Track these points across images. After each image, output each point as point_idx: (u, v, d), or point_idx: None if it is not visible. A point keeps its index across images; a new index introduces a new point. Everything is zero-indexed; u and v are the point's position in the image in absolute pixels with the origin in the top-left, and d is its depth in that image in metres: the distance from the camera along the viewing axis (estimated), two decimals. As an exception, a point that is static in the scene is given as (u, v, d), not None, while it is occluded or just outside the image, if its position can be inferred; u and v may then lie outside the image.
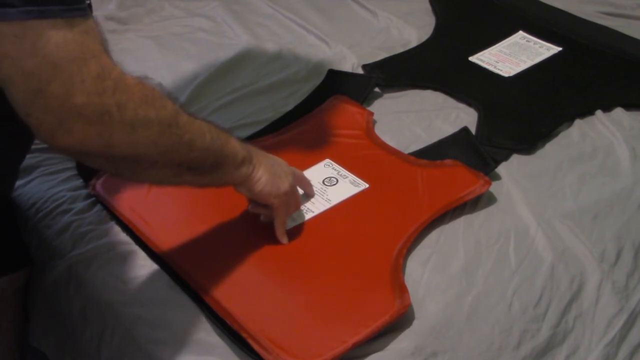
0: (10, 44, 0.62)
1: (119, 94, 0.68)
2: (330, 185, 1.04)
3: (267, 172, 0.88)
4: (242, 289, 0.88)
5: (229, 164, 0.84)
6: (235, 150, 0.84)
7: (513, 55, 1.38)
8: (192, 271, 0.90)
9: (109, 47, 1.02)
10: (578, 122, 1.20)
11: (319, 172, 1.07)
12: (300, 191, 0.99)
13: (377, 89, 1.28)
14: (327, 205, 1.01)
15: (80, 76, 0.65)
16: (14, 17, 0.62)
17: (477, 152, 1.10)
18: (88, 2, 0.89)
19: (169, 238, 0.94)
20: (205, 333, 0.85)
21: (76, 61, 0.65)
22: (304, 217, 0.98)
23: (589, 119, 1.21)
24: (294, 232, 0.96)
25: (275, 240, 0.95)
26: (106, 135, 0.68)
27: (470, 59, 1.37)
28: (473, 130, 1.17)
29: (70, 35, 0.64)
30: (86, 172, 1.07)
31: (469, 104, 1.25)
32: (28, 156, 1.10)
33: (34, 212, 1.05)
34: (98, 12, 1.13)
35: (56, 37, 0.64)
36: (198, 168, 0.80)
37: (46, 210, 1.04)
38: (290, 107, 1.24)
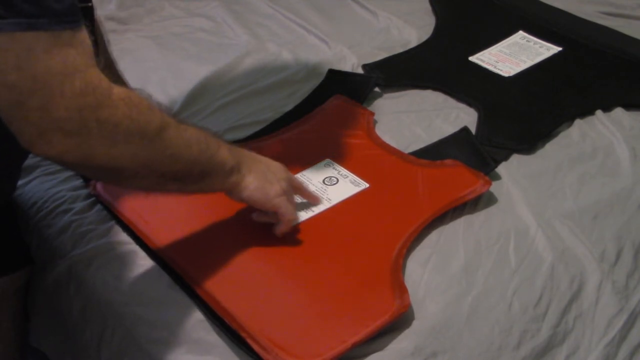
0: None
1: (100, 110, 0.68)
2: (330, 184, 1.04)
3: (256, 178, 0.88)
4: (241, 288, 0.88)
5: (217, 174, 0.84)
6: (224, 160, 0.84)
7: (513, 55, 1.38)
8: (191, 271, 0.90)
9: (110, 47, 1.03)
10: (578, 122, 1.20)
11: (319, 172, 1.07)
12: (299, 199, 0.99)
13: (377, 89, 1.28)
14: (328, 205, 1.01)
15: (61, 91, 0.65)
16: (2, 29, 0.62)
17: (477, 152, 1.10)
18: (90, 4, 0.89)
19: (169, 238, 0.94)
20: (205, 333, 0.85)
21: (58, 76, 0.65)
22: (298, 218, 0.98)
23: (589, 119, 1.21)
24: (294, 232, 0.96)
25: (275, 240, 0.95)
26: (85, 148, 0.69)
27: (470, 59, 1.38)
28: (473, 130, 1.17)
29: (55, 50, 0.65)
30: (86, 172, 1.07)
31: (469, 104, 1.25)
32: (28, 156, 1.10)
33: (35, 212, 1.05)
34: (98, 12, 1.13)
35: (40, 51, 0.64)
36: (183, 178, 0.81)
37: (46, 210, 1.04)
38: (290, 107, 1.24)
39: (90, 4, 0.90)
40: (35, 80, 0.64)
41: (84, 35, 0.68)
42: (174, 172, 0.79)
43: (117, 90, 0.71)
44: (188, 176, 0.81)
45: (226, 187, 0.87)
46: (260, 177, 0.88)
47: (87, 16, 0.90)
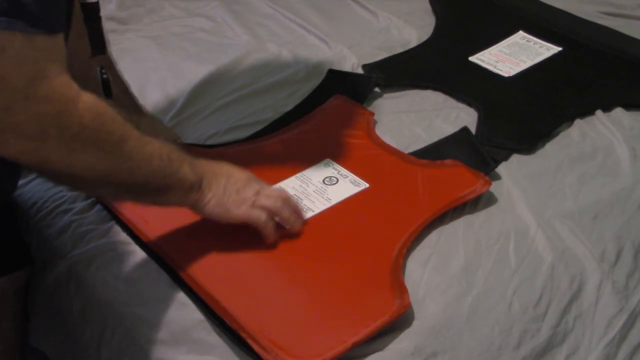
0: None
1: (62, 117, 0.68)
2: (330, 184, 1.04)
3: (215, 195, 0.87)
4: (241, 288, 0.88)
5: (176, 190, 0.84)
6: (185, 177, 0.84)
7: (513, 55, 1.38)
8: (191, 271, 0.90)
9: (110, 48, 1.03)
10: (578, 122, 1.20)
11: (319, 172, 1.07)
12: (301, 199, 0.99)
13: (377, 89, 1.28)
14: (327, 205, 1.01)
15: (25, 94, 0.65)
16: None
17: (477, 152, 1.10)
18: (95, 0, 0.89)
19: (168, 238, 0.94)
20: (205, 333, 0.86)
21: (25, 79, 0.65)
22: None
23: (589, 119, 1.21)
24: (294, 232, 0.96)
25: (275, 240, 0.95)
26: (42, 153, 0.69)
27: (470, 59, 1.38)
28: (473, 130, 1.17)
29: (27, 52, 0.64)
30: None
31: (469, 104, 1.25)
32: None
33: (35, 212, 1.05)
34: (98, 12, 1.13)
35: (12, 52, 0.64)
36: (140, 192, 0.81)
37: (46, 209, 1.04)
38: (290, 107, 1.24)
39: (95, 1, 0.90)
40: (2, 79, 0.64)
41: (59, 40, 0.68)
42: (130, 184, 0.79)
43: (84, 98, 0.70)
44: (145, 189, 0.81)
45: (187, 203, 0.87)
46: (220, 192, 0.88)
47: (91, 13, 0.90)
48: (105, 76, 0.94)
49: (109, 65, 0.96)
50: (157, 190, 0.82)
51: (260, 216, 0.90)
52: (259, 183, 0.92)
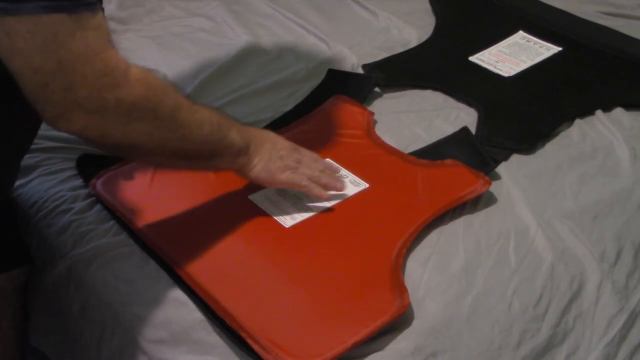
0: (23, 40, 0.66)
1: (118, 89, 0.72)
2: (330, 184, 1.04)
3: (262, 159, 0.93)
4: (241, 288, 0.88)
5: (226, 155, 0.88)
6: (233, 142, 0.88)
7: (513, 55, 1.38)
8: (191, 271, 0.90)
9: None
10: (578, 122, 1.20)
11: (319, 172, 1.07)
12: (303, 198, 0.99)
13: (377, 89, 1.28)
14: (327, 205, 1.01)
15: (83, 72, 0.69)
16: (31, 11, 0.64)
17: (477, 152, 1.10)
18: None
19: (168, 238, 0.94)
20: (205, 333, 0.86)
21: (81, 58, 0.68)
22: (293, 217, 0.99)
23: (589, 119, 1.21)
24: (294, 232, 0.96)
25: (275, 240, 0.95)
26: (103, 125, 0.73)
27: (470, 59, 1.37)
28: (473, 130, 1.17)
29: (77, 33, 0.68)
30: (86, 172, 1.07)
31: (469, 104, 1.25)
32: (28, 156, 1.10)
33: (35, 212, 1.05)
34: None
35: (64, 35, 0.67)
36: (193, 157, 0.85)
37: (46, 209, 1.04)
38: (290, 107, 1.24)
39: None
40: (60, 63, 0.67)
41: (100, 17, 0.71)
42: (185, 150, 0.83)
43: (134, 70, 0.74)
44: (198, 155, 0.85)
45: (235, 167, 0.92)
46: (266, 158, 0.93)
47: None
48: None
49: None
50: (209, 154, 0.87)
51: (302, 180, 0.96)
52: (300, 152, 0.98)
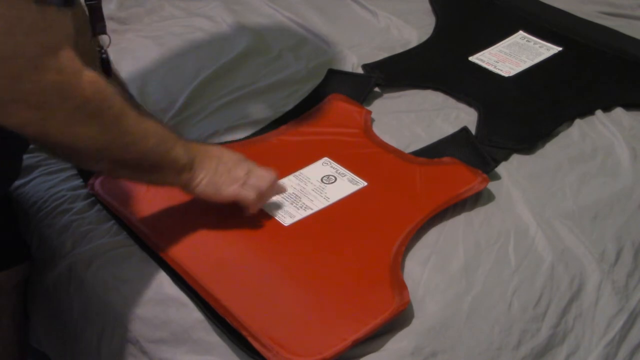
0: None
1: (67, 89, 0.71)
2: (328, 183, 1.04)
3: (207, 175, 0.90)
4: (241, 287, 0.88)
5: (169, 169, 0.87)
6: (177, 157, 0.86)
7: (513, 55, 1.38)
8: (192, 270, 0.90)
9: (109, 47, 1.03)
10: (578, 122, 1.20)
11: (317, 170, 1.07)
12: (302, 198, 0.99)
13: (377, 89, 1.28)
14: (326, 203, 1.01)
15: (36, 63, 0.67)
16: None
17: (477, 152, 1.10)
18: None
19: (168, 237, 0.94)
20: (205, 333, 0.86)
21: (37, 48, 0.67)
22: (291, 215, 0.99)
23: (589, 119, 1.21)
24: (293, 231, 0.96)
25: (275, 239, 0.95)
26: (45, 123, 0.71)
27: (470, 58, 1.37)
28: (473, 130, 1.17)
29: (40, 23, 0.67)
30: (86, 172, 1.07)
31: (469, 104, 1.25)
32: (28, 156, 1.10)
33: (35, 212, 1.05)
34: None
35: (28, 21, 0.66)
36: (134, 168, 0.84)
37: (46, 209, 1.04)
38: (290, 107, 1.24)
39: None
40: (15, 48, 0.66)
41: (67, 16, 0.70)
42: (126, 159, 0.82)
43: (88, 73, 0.73)
44: (140, 166, 0.84)
45: (179, 183, 0.90)
46: (212, 172, 0.91)
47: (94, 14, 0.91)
48: (104, 55, 0.96)
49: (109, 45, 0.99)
50: (151, 167, 0.85)
51: (248, 195, 0.93)
52: (249, 163, 0.95)
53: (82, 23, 0.95)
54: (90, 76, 0.73)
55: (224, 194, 0.92)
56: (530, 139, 1.15)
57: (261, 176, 0.95)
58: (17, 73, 0.67)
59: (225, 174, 0.92)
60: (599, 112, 1.22)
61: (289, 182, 1.04)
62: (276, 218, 0.98)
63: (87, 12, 0.98)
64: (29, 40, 0.66)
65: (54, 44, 0.68)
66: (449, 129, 1.18)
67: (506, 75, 1.32)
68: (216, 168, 0.91)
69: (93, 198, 1.04)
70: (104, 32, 0.96)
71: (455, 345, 0.84)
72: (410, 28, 1.48)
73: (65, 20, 0.70)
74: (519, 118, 1.21)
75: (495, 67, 1.34)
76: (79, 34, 0.93)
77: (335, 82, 1.28)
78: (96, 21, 0.95)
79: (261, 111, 1.23)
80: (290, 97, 1.27)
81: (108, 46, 1.00)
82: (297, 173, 1.06)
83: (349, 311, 0.84)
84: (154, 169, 0.86)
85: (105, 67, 0.98)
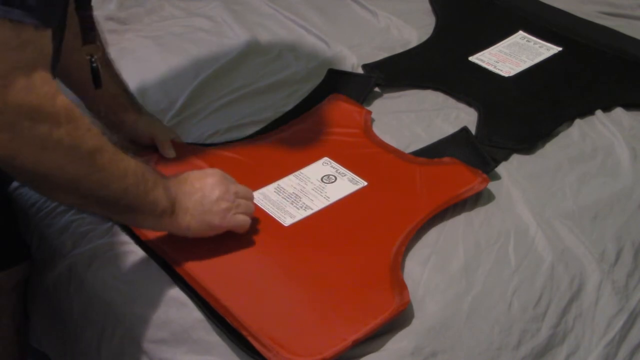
0: None
1: (37, 112, 0.68)
2: (328, 182, 1.04)
3: (194, 216, 0.87)
4: (241, 287, 0.88)
5: (147, 213, 0.83)
6: (157, 200, 0.83)
7: (513, 55, 1.38)
8: (192, 270, 0.90)
9: (109, 48, 1.03)
10: (578, 122, 1.20)
11: (317, 170, 1.07)
12: (300, 197, 0.99)
13: (377, 89, 1.28)
14: (326, 203, 1.01)
15: (5, 82, 0.65)
16: None
17: (477, 152, 1.10)
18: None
19: (168, 237, 0.94)
20: (205, 332, 0.86)
21: (7, 67, 0.65)
22: (291, 215, 0.98)
23: (589, 119, 1.21)
24: (293, 230, 0.96)
25: (275, 239, 0.95)
26: (13, 146, 0.68)
27: (470, 58, 1.38)
28: (473, 130, 1.17)
29: (13, 42, 0.65)
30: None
31: (469, 104, 1.25)
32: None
33: (35, 212, 1.05)
34: (98, 12, 1.13)
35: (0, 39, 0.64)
36: (108, 206, 0.80)
37: (47, 209, 1.04)
38: (290, 107, 1.24)
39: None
40: None
41: (46, 37, 0.68)
42: (99, 196, 0.78)
43: (62, 98, 0.70)
44: (114, 205, 0.81)
45: (160, 228, 0.87)
46: (198, 212, 0.87)
47: (83, 2, 0.89)
48: (94, 65, 0.94)
49: (100, 56, 0.97)
50: (127, 208, 0.82)
51: (241, 221, 0.91)
52: (230, 183, 0.91)
53: (78, 34, 0.93)
54: (65, 103, 0.71)
55: (217, 228, 0.89)
56: (530, 139, 1.15)
57: (245, 193, 0.92)
58: None
59: (215, 206, 0.88)
60: (599, 112, 1.22)
61: (289, 181, 1.05)
62: (276, 218, 0.98)
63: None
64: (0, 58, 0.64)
65: (25, 63, 0.66)
66: (449, 129, 1.18)
67: (506, 75, 1.32)
68: (202, 205, 0.88)
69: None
70: (95, 42, 0.94)
71: (455, 345, 0.84)
72: (410, 28, 1.49)
73: (43, 40, 0.68)
74: (519, 118, 1.21)
75: (495, 67, 1.34)
76: (75, 49, 0.92)
77: (335, 82, 1.28)
78: (87, 30, 0.92)
79: (261, 111, 1.23)
80: (290, 97, 1.27)
81: (101, 54, 0.98)
82: (297, 173, 1.06)
83: (349, 311, 0.84)
84: (131, 210, 0.82)
85: (95, 77, 0.96)
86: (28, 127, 0.68)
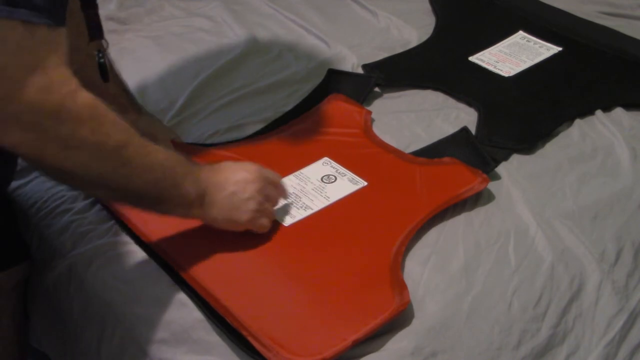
0: None
1: (59, 111, 0.68)
2: (328, 182, 1.05)
3: (222, 210, 0.87)
4: (241, 287, 0.88)
5: (177, 204, 0.84)
6: (186, 192, 0.83)
7: (513, 55, 1.38)
8: (191, 270, 0.90)
9: (109, 48, 1.03)
10: (578, 122, 1.20)
11: (317, 170, 1.07)
12: (299, 197, 1.00)
13: (377, 89, 1.28)
14: (326, 203, 1.01)
15: (24, 83, 0.65)
16: None
17: (477, 152, 1.10)
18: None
19: (168, 237, 0.94)
20: (205, 332, 0.86)
21: (24, 69, 0.65)
22: (291, 215, 0.99)
23: (589, 119, 1.21)
24: (293, 230, 0.96)
25: (275, 239, 0.95)
26: (38, 145, 0.69)
27: (470, 58, 1.37)
28: (473, 130, 1.17)
29: (27, 42, 0.65)
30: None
31: (469, 104, 1.25)
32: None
33: (35, 212, 1.05)
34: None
35: (13, 42, 0.64)
36: (138, 198, 0.81)
37: (46, 209, 1.04)
38: (290, 107, 1.24)
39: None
40: (2, 69, 0.64)
41: (60, 34, 0.68)
42: (127, 189, 0.79)
43: (84, 95, 0.70)
44: (143, 197, 0.81)
45: (190, 217, 0.88)
46: (226, 207, 0.87)
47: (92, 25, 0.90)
48: (102, 60, 0.94)
49: (107, 51, 0.97)
50: (156, 200, 0.82)
51: (265, 227, 0.92)
52: (266, 182, 0.91)
53: (82, 30, 0.94)
54: (87, 99, 0.71)
55: (240, 227, 0.90)
56: (530, 139, 1.15)
57: (276, 195, 0.93)
58: (5, 94, 0.65)
59: (243, 206, 0.88)
60: (599, 112, 1.22)
61: (289, 181, 1.04)
62: (276, 218, 0.98)
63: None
64: (14, 60, 0.64)
65: (43, 63, 0.66)
66: (449, 129, 1.18)
67: (506, 75, 1.32)
68: (231, 200, 0.88)
69: (93, 198, 1.04)
70: (101, 38, 0.94)
71: (455, 345, 0.84)
72: (410, 28, 1.49)
73: (58, 39, 0.68)
74: (519, 118, 1.21)
75: (495, 67, 1.34)
76: (79, 46, 0.93)
77: (335, 82, 1.28)
78: (94, 27, 0.93)
79: (261, 111, 1.23)
80: (290, 97, 1.27)
81: (105, 51, 0.98)
82: (297, 173, 1.06)
83: (349, 311, 0.84)
84: (160, 202, 0.82)
85: (103, 72, 0.96)
86: (51, 126, 0.68)
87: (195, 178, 0.84)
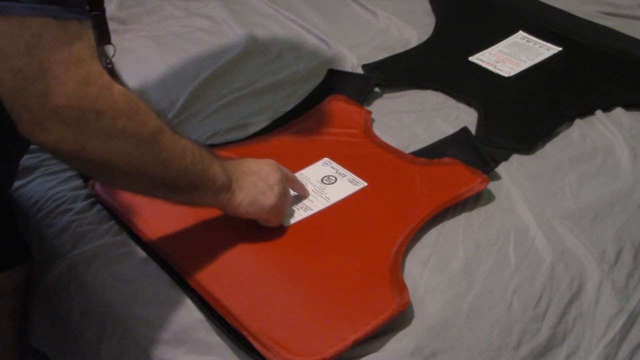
0: (6, 41, 0.64)
1: (100, 102, 0.69)
2: (329, 183, 1.04)
3: (248, 194, 0.89)
4: (241, 287, 0.88)
5: (207, 189, 0.85)
6: (215, 177, 0.85)
7: (513, 55, 1.38)
8: (191, 270, 0.90)
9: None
10: (578, 122, 1.20)
11: (317, 171, 1.07)
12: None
13: (377, 89, 1.28)
14: (326, 204, 1.01)
15: (64, 78, 0.66)
16: (18, 12, 0.63)
17: (477, 152, 1.10)
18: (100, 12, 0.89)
19: (168, 237, 0.94)
20: (205, 332, 0.86)
21: (62, 64, 0.66)
22: (292, 215, 0.99)
23: (589, 119, 1.21)
24: (293, 231, 0.96)
25: (275, 239, 0.95)
26: (81, 139, 0.70)
27: (470, 59, 1.38)
28: (473, 130, 1.17)
29: (62, 38, 0.66)
30: (86, 172, 1.07)
31: (469, 104, 1.25)
32: (28, 156, 1.10)
33: (35, 212, 1.05)
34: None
35: (49, 38, 0.65)
36: (172, 187, 0.82)
37: (47, 209, 1.04)
38: (290, 107, 1.24)
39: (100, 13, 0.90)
40: (41, 66, 0.65)
41: (88, 28, 0.69)
42: (163, 178, 0.79)
43: (117, 87, 0.72)
44: (177, 185, 0.82)
45: (217, 204, 0.88)
46: (252, 191, 0.89)
47: (95, 3, 0.90)
48: (110, 66, 0.94)
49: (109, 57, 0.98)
50: (189, 186, 0.83)
51: (282, 217, 0.95)
52: (287, 177, 0.95)
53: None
54: (121, 89, 0.72)
55: (267, 214, 0.92)
56: (530, 139, 1.15)
57: (292, 188, 0.96)
58: (46, 90, 0.66)
59: (269, 191, 0.91)
60: (599, 112, 1.22)
61: (289, 182, 1.05)
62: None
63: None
64: (52, 56, 0.65)
65: (78, 57, 0.67)
66: (449, 129, 1.18)
67: (506, 75, 1.32)
68: (256, 186, 0.90)
69: (93, 198, 1.04)
70: (109, 42, 0.95)
71: (455, 345, 0.84)
72: (410, 28, 1.49)
73: (88, 31, 0.69)
74: (519, 118, 1.21)
75: (495, 67, 1.34)
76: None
77: (335, 82, 1.28)
78: (101, 31, 0.93)
79: (261, 111, 1.23)
80: (290, 97, 1.27)
81: (113, 56, 0.99)
82: (297, 173, 1.06)
83: (349, 311, 0.84)
84: (192, 189, 0.83)
85: (111, 75, 0.96)
86: (92, 119, 0.69)
87: (221, 164, 0.87)
